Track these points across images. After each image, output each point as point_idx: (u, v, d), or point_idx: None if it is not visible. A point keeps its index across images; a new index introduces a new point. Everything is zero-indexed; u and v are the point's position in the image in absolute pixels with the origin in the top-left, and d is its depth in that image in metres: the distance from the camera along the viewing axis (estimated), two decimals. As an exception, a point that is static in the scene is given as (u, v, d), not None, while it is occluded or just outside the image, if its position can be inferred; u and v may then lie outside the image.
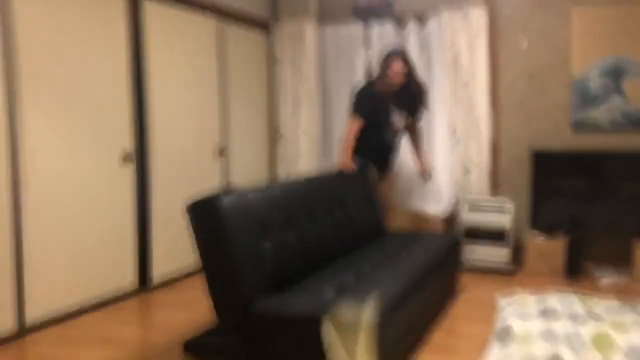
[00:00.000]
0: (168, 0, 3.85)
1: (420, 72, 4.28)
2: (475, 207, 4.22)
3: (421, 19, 4.61)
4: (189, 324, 3.05)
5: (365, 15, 4.78)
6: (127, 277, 3.56)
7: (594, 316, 2.80)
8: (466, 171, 4.43)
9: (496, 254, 4.11)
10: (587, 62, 4.09)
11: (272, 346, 2.16)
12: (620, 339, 2.44)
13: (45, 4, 2.99)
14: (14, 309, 2.83)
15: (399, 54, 3.88)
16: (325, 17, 4.98)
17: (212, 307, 2.25)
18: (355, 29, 4.84)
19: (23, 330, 2.89)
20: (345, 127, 4.10)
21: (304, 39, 4.93)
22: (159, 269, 3.82)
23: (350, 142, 3.82)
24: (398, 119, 3.95)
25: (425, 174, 4.21)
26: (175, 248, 3.94)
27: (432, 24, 4.54)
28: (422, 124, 4.29)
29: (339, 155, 3.96)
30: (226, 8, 4.45)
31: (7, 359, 2.60)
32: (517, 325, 2.68)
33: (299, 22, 4.96)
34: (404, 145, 4.30)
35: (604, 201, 3.97)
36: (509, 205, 4.12)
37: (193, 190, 4.05)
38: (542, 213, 4.15)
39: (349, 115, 3.96)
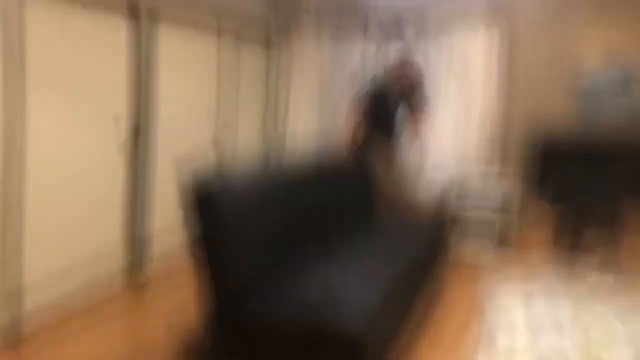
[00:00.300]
0: (173, 20, 3.79)
1: (427, 78, 4.38)
2: (466, 195, 4.20)
3: (432, 34, 4.59)
4: (183, 315, 3.02)
5: (377, 35, 4.76)
6: (119, 264, 3.54)
7: (580, 326, 2.78)
8: (461, 161, 4.46)
9: (487, 242, 4.10)
10: (596, 68, 4.09)
11: (263, 341, 2.15)
12: (606, 357, 2.41)
13: (53, 10, 2.92)
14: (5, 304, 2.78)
15: (406, 61, 4.15)
16: (330, 31, 4.95)
17: (204, 301, 2.24)
18: (359, 42, 4.82)
19: (16, 323, 2.84)
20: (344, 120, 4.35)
21: (305, 51, 4.95)
22: (155, 258, 3.80)
23: (350, 125, 4.14)
24: (400, 107, 4.15)
25: (416, 137, 4.22)
26: (173, 237, 3.90)
27: (443, 39, 4.53)
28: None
29: (339, 132, 4.28)
30: (227, 6, 4.32)
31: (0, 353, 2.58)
32: (502, 340, 2.65)
33: (302, 21, 4.93)
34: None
35: (598, 193, 3.98)
36: (502, 192, 4.12)
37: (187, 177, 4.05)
38: (538, 193, 4.20)
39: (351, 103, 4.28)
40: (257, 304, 2.18)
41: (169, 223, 3.90)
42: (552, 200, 4.11)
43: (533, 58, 4.31)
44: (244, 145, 4.79)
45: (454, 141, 4.53)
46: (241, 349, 2.19)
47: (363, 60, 4.81)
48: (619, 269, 3.84)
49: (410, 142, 4.31)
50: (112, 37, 3.37)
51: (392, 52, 4.67)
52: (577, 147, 4.11)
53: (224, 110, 4.51)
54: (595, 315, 2.95)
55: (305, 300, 2.24)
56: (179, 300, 3.21)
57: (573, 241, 3.98)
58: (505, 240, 4.12)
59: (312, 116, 5.04)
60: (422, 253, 3.11)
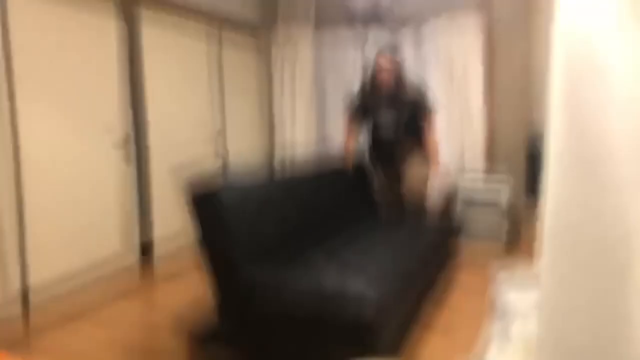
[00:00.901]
0: (162, 5, 3.84)
1: (416, 73, 4.36)
2: (474, 182, 4.24)
3: (416, 24, 4.62)
4: (188, 302, 3.05)
5: (359, 20, 4.77)
6: (128, 253, 3.58)
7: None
8: (465, 151, 4.50)
9: (494, 228, 4.13)
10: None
11: (271, 331, 2.16)
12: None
13: (41, 6, 2.99)
14: (12, 288, 2.82)
15: (386, 51, 3.94)
16: (319, 22, 4.99)
17: (211, 291, 2.25)
18: (349, 33, 4.85)
19: (24, 309, 2.88)
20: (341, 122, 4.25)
21: (298, 43, 4.97)
22: (160, 245, 3.84)
23: (347, 137, 3.91)
24: (391, 118, 3.75)
25: (437, 178, 3.98)
26: (177, 226, 3.94)
27: (427, 29, 4.56)
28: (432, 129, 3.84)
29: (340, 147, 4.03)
30: (220, 13, 4.44)
31: (8, 337, 2.60)
32: (517, 301, 2.69)
33: (293, 27, 4.98)
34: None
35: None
36: (507, 179, 4.14)
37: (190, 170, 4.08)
38: (538, 186, 4.17)
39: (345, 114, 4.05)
40: (264, 291, 2.18)
41: (172, 221, 3.94)
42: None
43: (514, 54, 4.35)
44: (243, 147, 4.85)
45: (447, 140, 4.54)
46: (249, 336, 2.19)
47: (355, 64, 4.84)
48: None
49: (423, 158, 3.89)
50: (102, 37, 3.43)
51: (375, 43, 4.63)
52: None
53: (221, 111, 4.58)
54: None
55: (313, 285, 2.25)
56: (186, 296, 3.22)
57: None
58: (511, 238, 4.12)
59: (308, 120, 5.11)
60: (429, 249, 3.10)
